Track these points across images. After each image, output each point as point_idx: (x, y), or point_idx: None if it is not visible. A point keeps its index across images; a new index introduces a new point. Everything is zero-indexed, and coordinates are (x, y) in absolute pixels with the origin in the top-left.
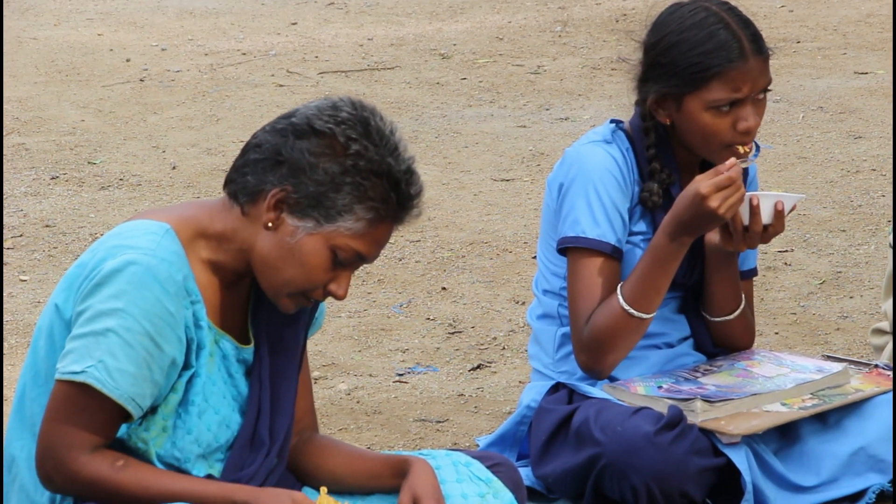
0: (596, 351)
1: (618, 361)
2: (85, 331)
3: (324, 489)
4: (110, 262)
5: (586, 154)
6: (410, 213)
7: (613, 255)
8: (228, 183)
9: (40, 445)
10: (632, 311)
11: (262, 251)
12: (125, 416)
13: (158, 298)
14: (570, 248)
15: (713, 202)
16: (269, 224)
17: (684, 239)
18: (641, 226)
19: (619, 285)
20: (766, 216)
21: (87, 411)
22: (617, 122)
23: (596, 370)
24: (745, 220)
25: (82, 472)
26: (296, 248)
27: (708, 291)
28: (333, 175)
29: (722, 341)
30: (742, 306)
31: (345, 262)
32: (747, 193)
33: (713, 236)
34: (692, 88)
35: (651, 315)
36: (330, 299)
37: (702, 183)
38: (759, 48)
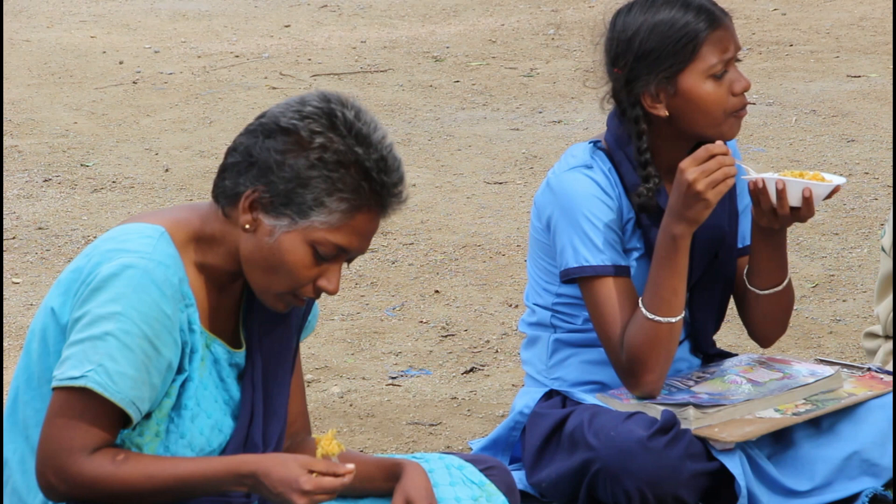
0: (639, 370)
1: (662, 376)
2: (83, 336)
3: (333, 430)
4: (107, 267)
5: (569, 183)
6: (390, 201)
7: (622, 273)
8: (213, 188)
9: (40, 454)
10: (657, 318)
11: (245, 253)
12: (124, 421)
13: (156, 301)
14: (578, 278)
15: (689, 174)
16: (247, 226)
17: (675, 228)
18: (633, 242)
19: (641, 297)
20: (793, 200)
21: (86, 415)
22: (595, 142)
23: (646, 390)
24: (773, 200)
25: (84, 473)
26: (275, 248)
27: (755, 261)
28: (299, 170)
29: (763, 322)
30: (789, 277)
31: (326, 257)
32: (772, 176)
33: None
34: (686, 63)
35: (678, 318)
36: (323, 299)
37: (684, 160)
38: (723, 11)
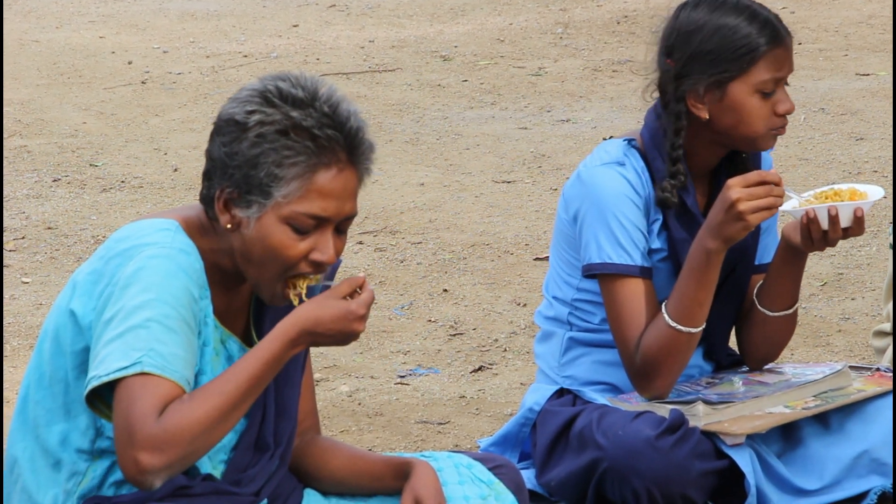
0: (651, 374)
1: (674, 381)
2: (121, 330)
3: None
4: (132, 264)
5: (600, 179)
6: (352, 152)
7: (644, 275)
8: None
9: (120, 446)
10: (679, 327)
11: (237, 251)
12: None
13: (186, 286)
14: (600, 275)
15: (734, 193)
16: (229, 225)
17: (710, 243)
18: (658, 243)
19: (664, 303)
20: (845, 221)
21: (147, 387)
22: (629, 139)
23: (656, 394)
24: (825, 225)
25: (166, 427)
26: (256, 237)
27: (774, 283)
28: (245, 153)
29: (762, 344)
30: (798, 303)
31: (305, 229)
32: (826, 205)
33: (792, 231)
34: (740, 71)
35: (699, 329)
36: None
37: (733, 178)
38: (787, 30)
